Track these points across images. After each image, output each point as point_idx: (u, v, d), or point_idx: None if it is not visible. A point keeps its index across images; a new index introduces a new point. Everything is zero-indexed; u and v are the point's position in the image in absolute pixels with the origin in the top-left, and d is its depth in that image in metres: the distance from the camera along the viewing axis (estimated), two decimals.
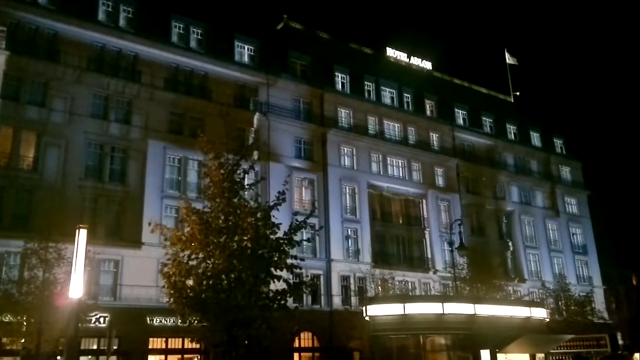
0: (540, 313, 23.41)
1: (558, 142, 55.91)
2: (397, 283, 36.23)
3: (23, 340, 22.12)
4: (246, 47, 38.41)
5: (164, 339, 28.95)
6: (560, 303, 39.49)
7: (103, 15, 33.18)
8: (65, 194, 28.41)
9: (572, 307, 38.51)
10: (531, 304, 27.33)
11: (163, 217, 30.03)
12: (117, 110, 31.80)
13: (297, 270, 15.34)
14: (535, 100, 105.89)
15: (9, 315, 21.97)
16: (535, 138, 53.93)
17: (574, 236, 51.78)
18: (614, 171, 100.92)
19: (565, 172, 54.44)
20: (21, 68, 29.07)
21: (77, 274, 10.79)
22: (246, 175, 16.35)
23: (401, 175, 42.31)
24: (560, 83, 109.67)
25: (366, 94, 43.16)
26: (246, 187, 16.45)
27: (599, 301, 47.21)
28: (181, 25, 36.00)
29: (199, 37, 36.52)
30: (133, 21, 33.97)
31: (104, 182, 30.19)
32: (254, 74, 37.34)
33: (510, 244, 46.53)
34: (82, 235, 10.99)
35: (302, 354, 33.84)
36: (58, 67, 30.08)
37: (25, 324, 21.63)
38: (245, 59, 38.14)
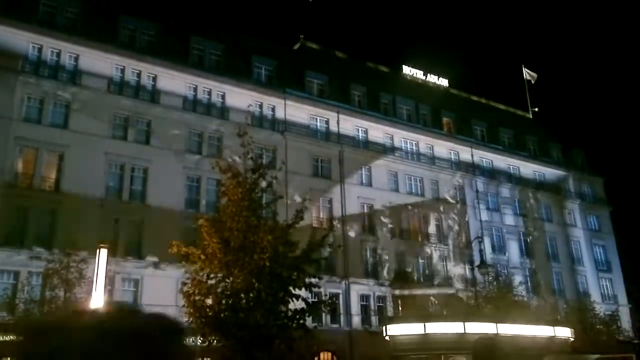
0: (564, 332, 22.90)
1: (579, 158, 55.17)
2: (417, 302, 35.77)
3: None
4: (264, 67, 38.84)
5: None
6: (584, 322, 38.54)
7: (123, 38, 33.88)
8: (86, 214, 28.74)
9: (598, 326, 37.59)
10: (555, 323, 26.75)
11: (182, 235, 30.13)
12: (137, 131, 32.27)
13: (316, 289, 15.26)
14: (554, 115, 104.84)
15: None
16: (555, 154, 53.28)
17: (597, 253, 50.73)
18: (638, 186, 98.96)
19: (587, 187, 53.59)
20: (43, 91, 29.73)
21: (97, 293, 10.86)
22: (264, 193, 16.40)
23: (419, 192, 42.05)
24: (580, 97, 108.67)
25: (383, 111, 43.21)
26: (264, 205, 16.48)
27: (625, 320, 46.02)
28: (200, 47, 36.55)
29: (218, 57, 37.03)
30: (152, 44, 34.60)
31: (124, 202, 30.51)
32: (271, 93, 37.68)
33: (531, 261, 45.74)
34: (102, 254, 11.10)
35: None
36: (79, 89, 30.69)
37: None
38: (263, 78, 38.53)
